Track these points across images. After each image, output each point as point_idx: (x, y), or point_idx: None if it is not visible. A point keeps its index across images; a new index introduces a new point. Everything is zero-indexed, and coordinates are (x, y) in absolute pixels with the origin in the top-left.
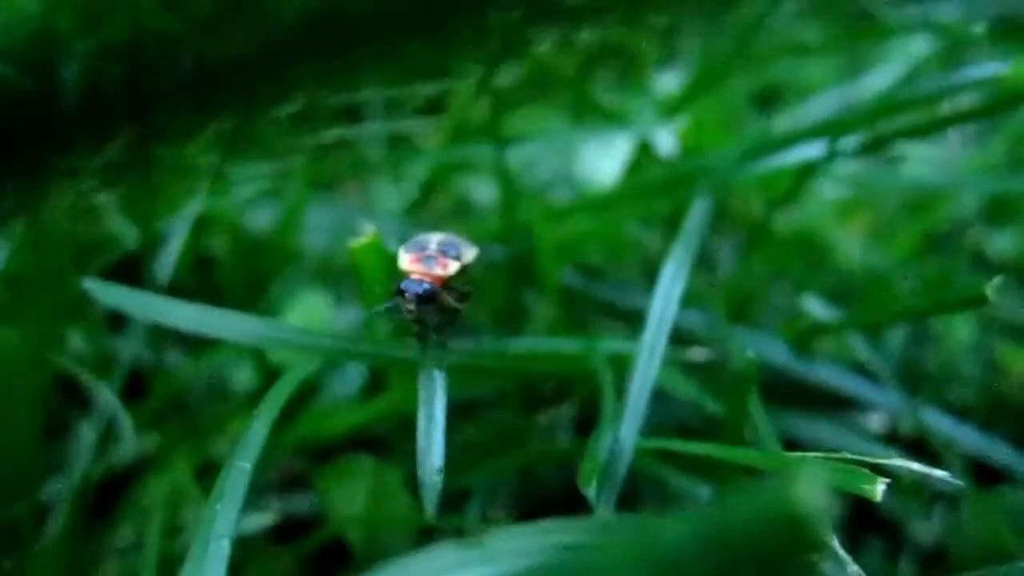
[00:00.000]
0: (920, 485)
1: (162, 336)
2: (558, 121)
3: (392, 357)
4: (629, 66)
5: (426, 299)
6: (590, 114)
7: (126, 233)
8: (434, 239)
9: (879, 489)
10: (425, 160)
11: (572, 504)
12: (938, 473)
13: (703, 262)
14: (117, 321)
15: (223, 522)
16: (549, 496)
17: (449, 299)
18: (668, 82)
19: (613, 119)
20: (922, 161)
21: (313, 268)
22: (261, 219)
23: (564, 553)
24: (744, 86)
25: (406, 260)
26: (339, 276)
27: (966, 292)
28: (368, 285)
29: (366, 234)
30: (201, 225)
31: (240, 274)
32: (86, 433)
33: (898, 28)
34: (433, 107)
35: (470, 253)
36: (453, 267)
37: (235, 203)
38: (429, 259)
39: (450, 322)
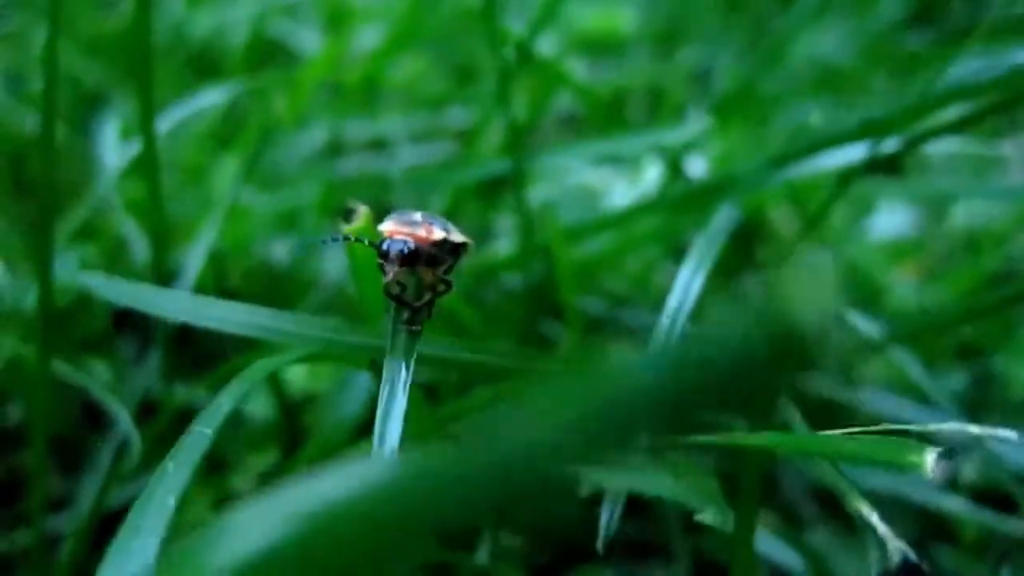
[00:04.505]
0: (987, 539)
1: (177, 366)
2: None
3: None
4: (658, 103)
5: (409, 258)
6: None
7: (145, 259)
8: (419, 213)
9: (928, 459)
10: (446, 181)
11: (587, 520)
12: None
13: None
14: (137, 358)
15: (173, 480)
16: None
17: (429, 273)
18: (697, 120)
19: (642, 144)
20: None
21: (328, 299)
22: (278, 251)
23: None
24: (773, 120)
25: (390, 225)
26: (354, 307)
27: None
28: (361, 268)
29: (359, 215)
30: (219, 256)
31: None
32: (101, 460)
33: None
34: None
35: (457, 235)
36: (438, 234)
37: (253, 234)
38: (414, 224)
39: (425, 313)
